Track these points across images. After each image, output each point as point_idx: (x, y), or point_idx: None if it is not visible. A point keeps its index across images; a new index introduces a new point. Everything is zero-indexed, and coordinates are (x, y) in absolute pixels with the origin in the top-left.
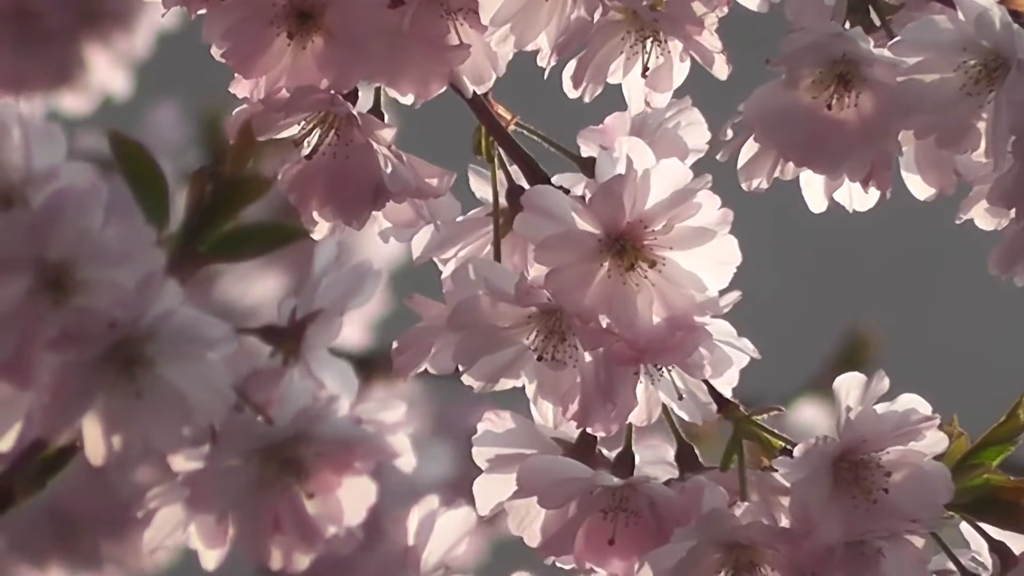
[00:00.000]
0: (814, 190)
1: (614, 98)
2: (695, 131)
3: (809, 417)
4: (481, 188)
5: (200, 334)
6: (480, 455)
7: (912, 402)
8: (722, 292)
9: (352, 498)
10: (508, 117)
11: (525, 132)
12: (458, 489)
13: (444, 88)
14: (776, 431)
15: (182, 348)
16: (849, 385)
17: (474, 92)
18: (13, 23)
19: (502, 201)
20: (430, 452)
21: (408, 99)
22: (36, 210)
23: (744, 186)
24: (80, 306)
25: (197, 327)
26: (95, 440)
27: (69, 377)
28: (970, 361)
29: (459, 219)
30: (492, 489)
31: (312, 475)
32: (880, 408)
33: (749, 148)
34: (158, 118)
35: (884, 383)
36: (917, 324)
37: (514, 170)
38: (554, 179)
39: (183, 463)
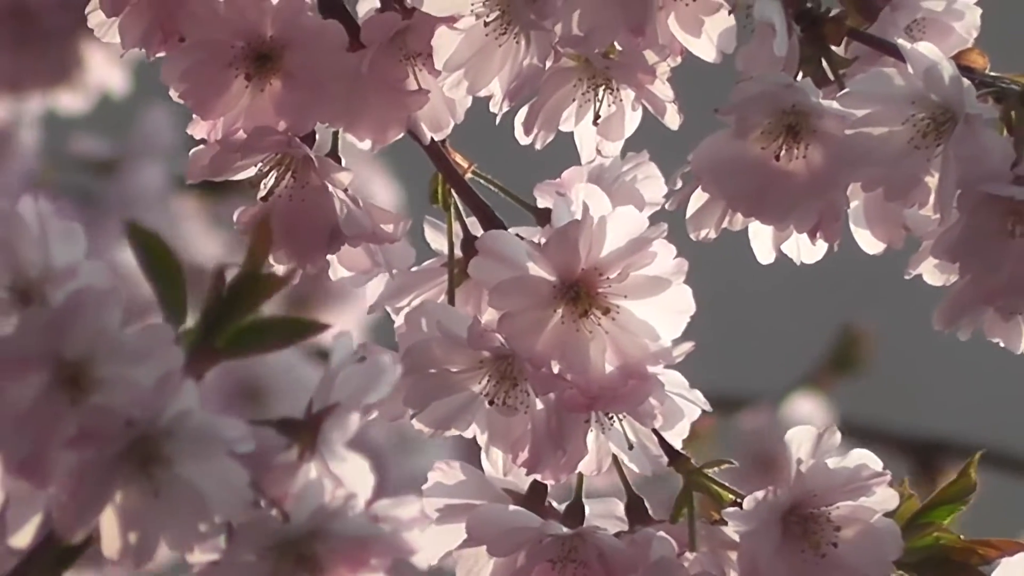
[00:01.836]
0: (762, 241)
1: (572, 151)
2: (652, 184)
3: (804, 413)
4: (436, 240)
5: (217, 433)
6: (430, 506)
7: (863, 457)
8: (675, 342)
9: None
10: (465, 165)
11: (482, 181)
12: None
13: (402, 134)
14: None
15: (199, 447)
16: (801, 438)
17: (432, 139)
18: (12, 22)
19: (457, 251)
20: (428, 447)
21: (366, 144)
22: (54, 308)
23: (692, 236)
24: (97, 404)
25: (214, 426)
26: (112, 535)
27: (86, 475)
28: (963, 359)
29: (414, 269)
30: (441, 539)
31: (327, 572)
32: (831, 462)
33: (698, 198)
34: (151, 121)
35: (836, 437)
36: (911, 321)
37: (470, 221)
38: (511, 230)
39: (199, 556)
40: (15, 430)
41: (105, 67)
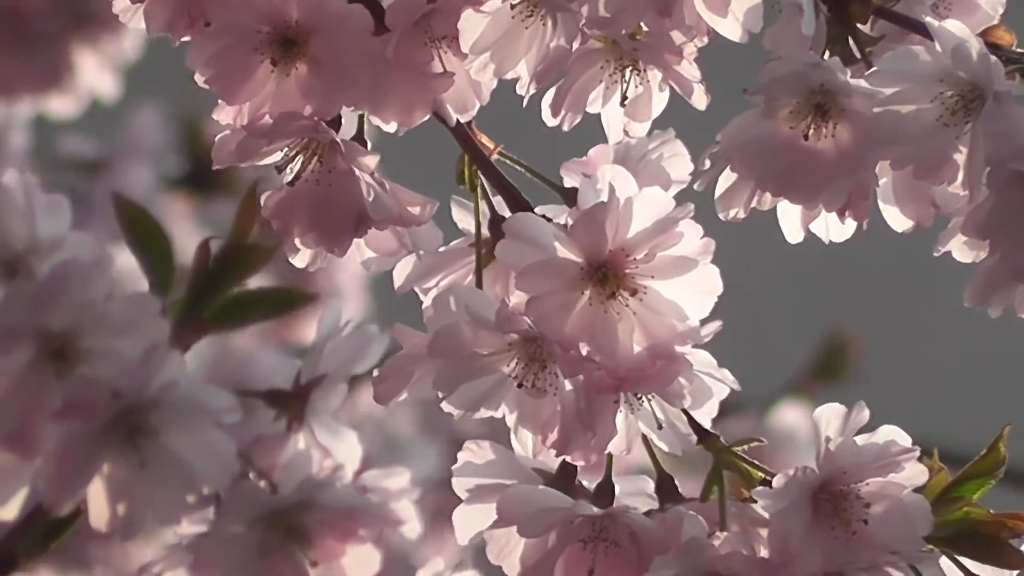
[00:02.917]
0: (791, 220)
1: (598, 130)
2: (678, 162)
3: (790, 421)
4: (463, 219)
5: (204, 404)
6: (460, 485)
7: (892, 433)
8: (703, 321)
9: (356, 566)
10: (491, 146)
11: (508, 162)
12: (446, 487)
13: (427, 116)
14: (758, 436)
15: (186, 418)
16: (829, 416)
17: (457, 120)
18: (3, 26)
19: (484, 231)
20: (418, 451)
21: (391, 127)
22: (40, 280)
23: (721, 216)
24: (84, 376)
25: (201, 397)
26: (99, 507)
27: (73, 447)
28: (950, 366)
29: (441, 249)
30: (472, 519)
31: (316, 543)
32: (860, 439)
33: (726, 178)
34: (140, 122)
35: (864, 414)
36: (898, 328)
37: (497, 201)
38: (537, 210)
39: (187, 527)
40: (1, 403)
41: (96, 72)
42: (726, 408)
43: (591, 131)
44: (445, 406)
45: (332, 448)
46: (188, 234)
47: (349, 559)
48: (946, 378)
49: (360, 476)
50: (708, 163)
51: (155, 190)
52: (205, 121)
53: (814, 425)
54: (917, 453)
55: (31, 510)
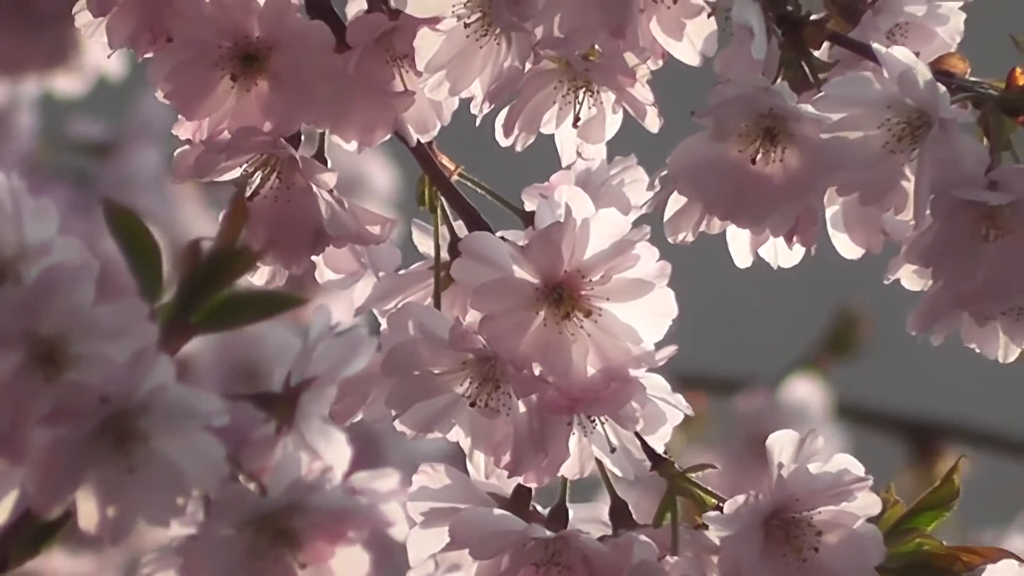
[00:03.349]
0: (739, 244)
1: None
2: (639, 188)
3: (801, 395)
4: (424, 242)
5: (193, 408)
6: (415, 509)
7: (845, 463)
8: (658, 345)
9: (346, 568)
10: (452, 167)
11: (469, 184)
12: (457, 460)
13: (388, 136)
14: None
15: (175, 422)
16: (783, 443)
17: (418, 141)
18: (8, 5)
19: (444, 254)
20: None
21: (352, 146)
22: (28, 285)
23: (670, 239)
24: (72, 381)
25: (189, 401)
26: (89, 511)
27: (62, 452)
28: (960, 341)
29: (401, 272)
30: (425, 542)
31: (305, 545)
32: (813, 467)
33: (676, 201)
34: (148, 104)
35: (818, 442)
36: (908, 302)
37: (458, 225)
38: (497, 233)
39: (177, 530)
40: None
41: (101, 50)
42: (737, 382)
43: (555, 155)
44: (398, 425)
45: (321, 450)
46: (195, 215)
47: (338, 561)
48: (957, 354)
49: (349, 478)
50: (658, 186)
51: (163, 172)
52: None
53: (768, 451)
54: (870, 483)
55: (21, 513)
